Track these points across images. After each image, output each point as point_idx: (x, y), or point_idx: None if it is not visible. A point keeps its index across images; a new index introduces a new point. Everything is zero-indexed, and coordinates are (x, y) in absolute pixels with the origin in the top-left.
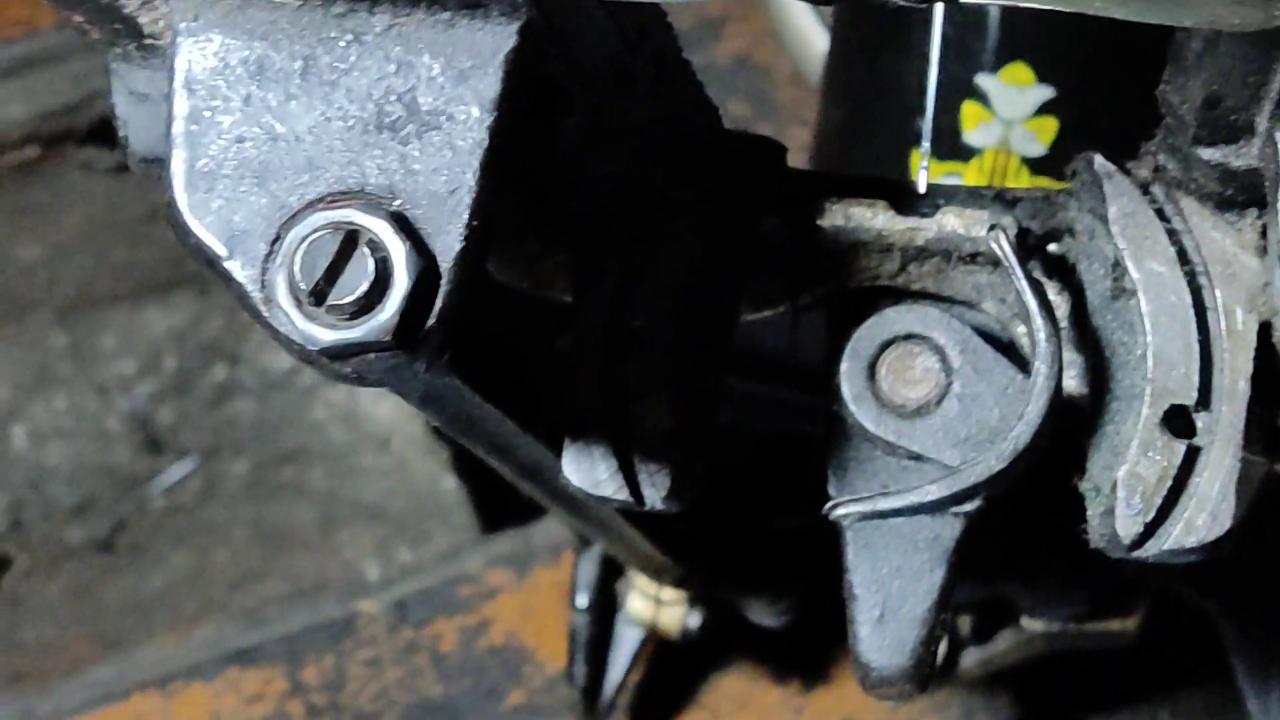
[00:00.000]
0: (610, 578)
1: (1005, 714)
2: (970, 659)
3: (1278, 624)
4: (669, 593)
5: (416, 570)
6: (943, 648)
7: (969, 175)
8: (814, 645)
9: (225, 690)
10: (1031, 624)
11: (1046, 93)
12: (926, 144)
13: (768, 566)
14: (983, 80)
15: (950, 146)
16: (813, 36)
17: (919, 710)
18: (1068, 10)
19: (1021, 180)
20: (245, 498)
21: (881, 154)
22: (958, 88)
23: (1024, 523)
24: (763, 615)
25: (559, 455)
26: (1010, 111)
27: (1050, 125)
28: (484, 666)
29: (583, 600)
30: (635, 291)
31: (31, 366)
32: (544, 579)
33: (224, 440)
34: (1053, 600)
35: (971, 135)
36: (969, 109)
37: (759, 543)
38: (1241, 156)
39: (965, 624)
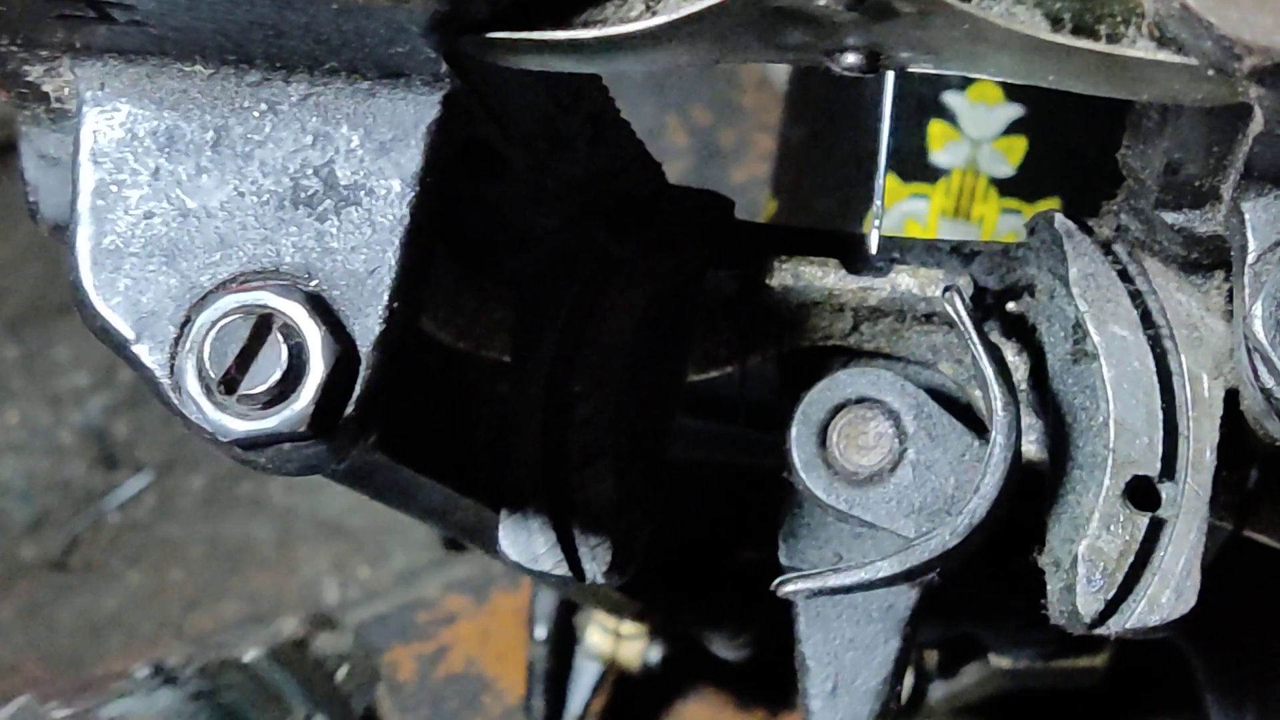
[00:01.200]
0: (569, 610)
1: None
2: (937, 693)
3: (1250, 660)
4: (629, 627)
5: (374, 594)
6: (909, 682)
7: (936, 197)
8: (778, 671)
9: None
10: (998, 660)
11: (1015, 111)
12: (879, 202)
13: (728, 601)
14: (950, 98)
15: (917, 168)
16: None
17: None
18: (1017, 81)
19: (990, 202)
20: (202, 513)
21: (842, 175)
22: (925, 106)
23: (986, 567)
24: (724, 649)
25: (499, 513)
26: (978, 130)
27: (1019, 145)
28: (442, 695)
29: (541, 633)
30: (577, 352)
31: None
32: (503, 604)
33: (180, 454)
34: (1018, 638)
35: (939, 155)
36: (936, 128)
37: (719, 577)
38: (1206, 222)
39: (932, 659)
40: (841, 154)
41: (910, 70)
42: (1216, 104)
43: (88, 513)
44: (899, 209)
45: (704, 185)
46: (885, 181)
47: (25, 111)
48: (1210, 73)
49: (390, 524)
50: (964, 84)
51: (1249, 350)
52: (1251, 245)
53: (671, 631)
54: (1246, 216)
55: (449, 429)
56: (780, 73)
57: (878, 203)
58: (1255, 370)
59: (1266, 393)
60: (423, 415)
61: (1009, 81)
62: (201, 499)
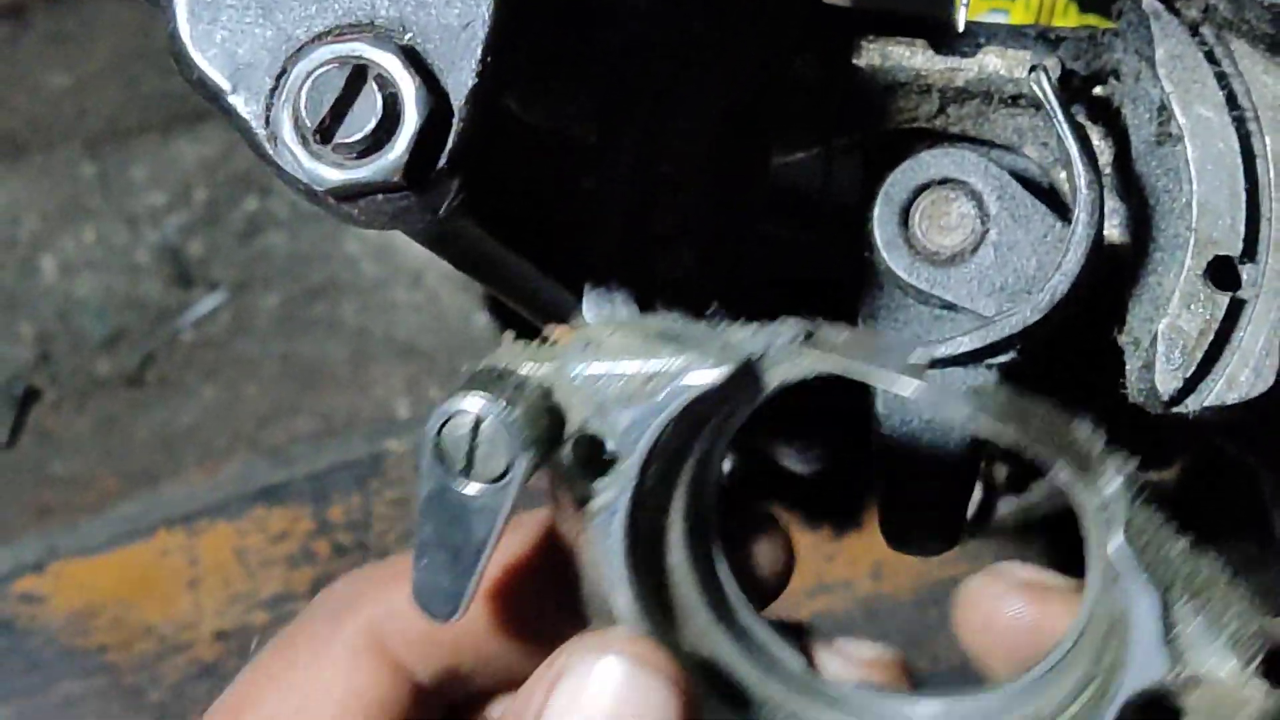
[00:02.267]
0: None
1: (1038, 564)
2: (1005, 508)
3: None
4: None
5: None
6: (978, 494)
7: (1016, 12)
8: (846, 492)
9: (250, 529)
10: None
11: None
12: None
13: (801, 411)
14: None
15: None
16: None
17: (951, 558)
18: None
19: (1070, 18)
20: (276, 332)
21: None
22: None
23: (1059, 373)
24: (795, 462)
25: (579, 297)
26: None
27: None
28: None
29: None
30: (664, 134)
31: (60, 198)
32: None
33: (255, 273)
34: None
35: None
36: None
37: (792, 387)
38: None
39: (1001, 474)
40: None
41: None
42: None
43: (163, 330)
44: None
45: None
46: None
47: None
48: None
49: (462, 344)
50: None
51: None
52: None
53: (742, 444)
54: None
55: (535, 208)
56: None
57: None
58: None
59: None
60: (510, 192)
61: None
62: (275, 318)
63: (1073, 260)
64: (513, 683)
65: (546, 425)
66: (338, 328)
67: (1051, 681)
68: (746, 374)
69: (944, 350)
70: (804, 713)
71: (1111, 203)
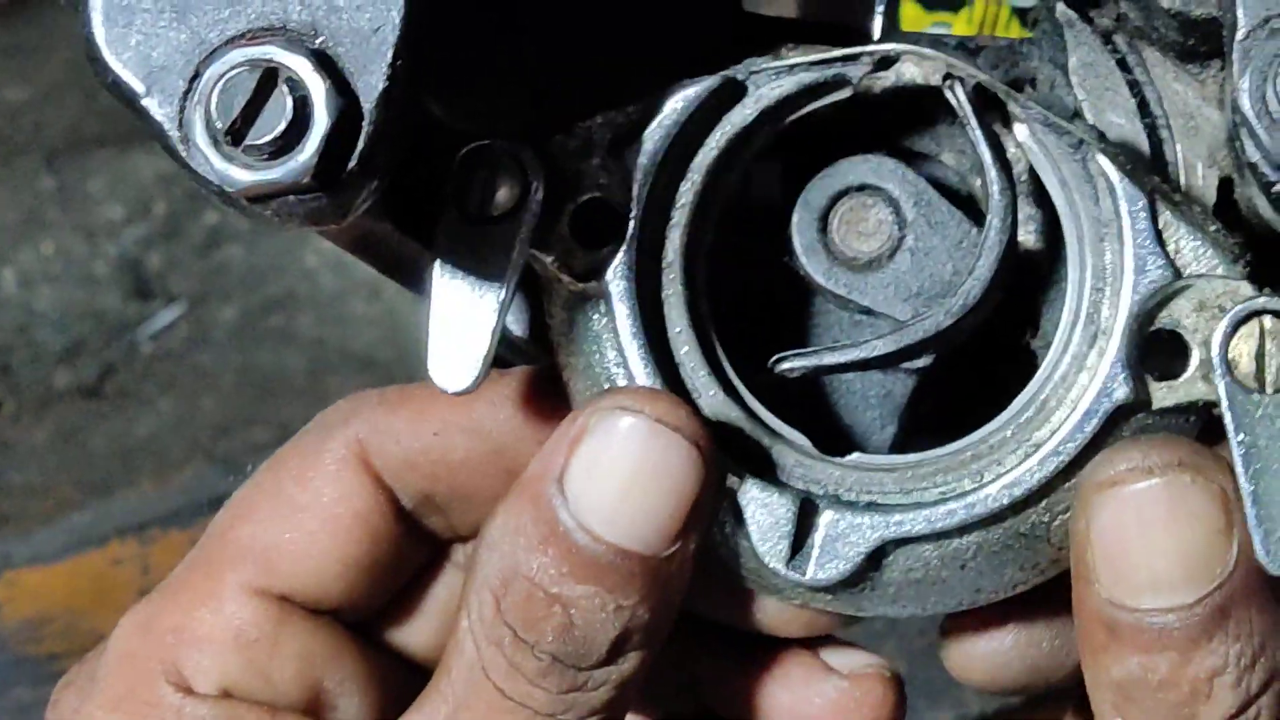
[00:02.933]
0: None
1: None
2: None
3: None
4: None
5: None
6: None
7: (958, 25)
8: None
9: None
10: None
11: None
12: None
13: None
14: None
15: None
16: None
17: None
18: None
19: (1012, 31)
20: (234, 344)
21: None
22: None
23: (973, 375)
24: None
25: None
26: None
27: None
28: None
29: None
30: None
31: (20, 210)
32: None
33: (213, 286)
34: None
35: None
36: None
37: None
38: (1201, 5)
39: None
40: None
41: None
42: None
43: (121, 342)
44: None
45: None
46: (907, 9)
47: None
48: None
49: (421, 358)
50: None
51: (1235, 125)
52: (1241, 21)
53: None
54: None
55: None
56: None
57: None
58: (1242, 145)
59: (1252, 167)
60: (433, 195)
61: None
62: (233, 330)
63: (985, 266)
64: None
65: (545, 190)
66: (295, 339)
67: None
68: (730, 88)
69: (859, 354)
70: (819, 470)
71: (1026, 209)
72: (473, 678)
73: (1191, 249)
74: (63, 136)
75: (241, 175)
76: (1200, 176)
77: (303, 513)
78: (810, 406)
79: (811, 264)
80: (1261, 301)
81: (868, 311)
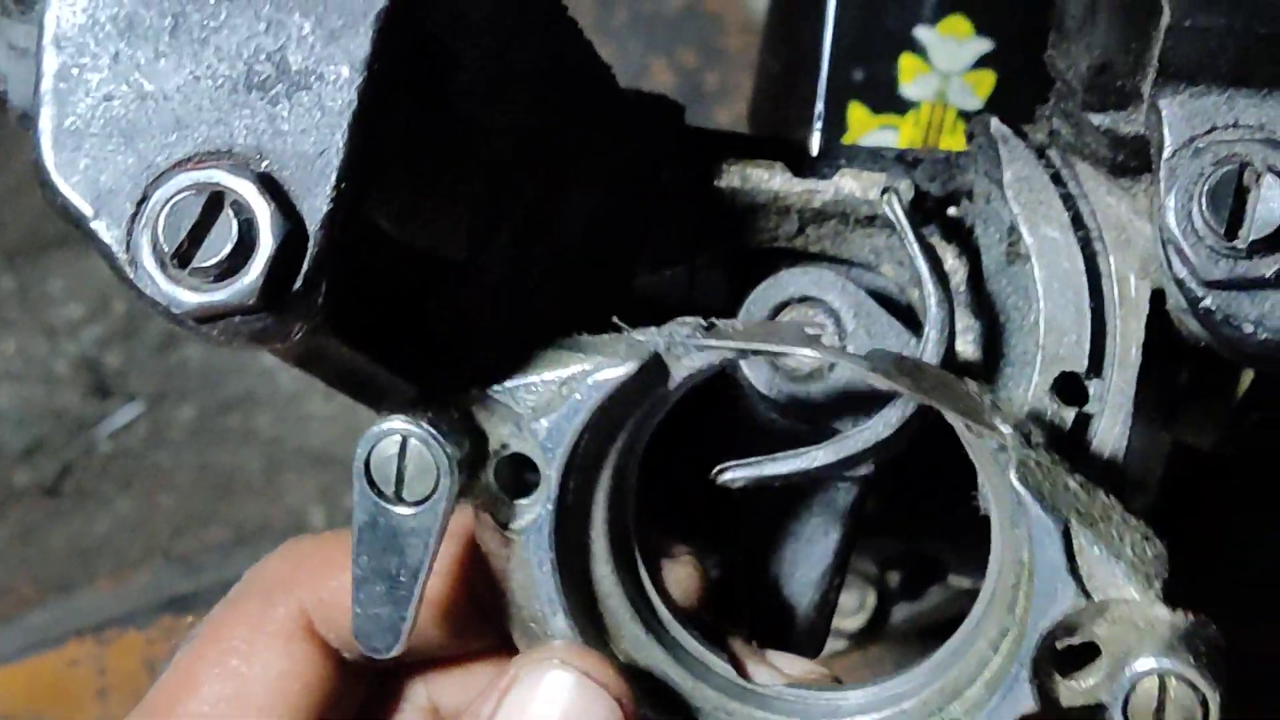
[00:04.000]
0: None
1: None
2: (900, 614)
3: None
4: None
5: None
6: (872, 602)
7: (906, 128)
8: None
9: (159, 638)
10: (959, 580)
11: (985, 45)
12: (820, 105)
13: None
14: (921, 32)
15: (888, 99)
16: None
17: (852, 664)
18: None
19: (958, 134)
20: (191, 443)
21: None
22: (896, 40)
23: (943, 480)
24: None
25: None
26: (948, 64)
27: (988, 79)
28: None
29: None
30: (532, 248)
31: None
32: None
33: (171, 385)
34: (978, 558)
35: (909, 88)
36: (907, 61)
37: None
38: (1130, 123)
39: (894, 580)
40: (812, 86)
41: None
42: None
43: (80, 440)
44: (869, 139)
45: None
46: (855, 112)
47: None
48: None
49: None
50: (936, 18)
51: (1163, 242)
52: (1167, 141)
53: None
54: (1163, 113)
55: (408, 325)
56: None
57: (819, 106)
58: (1169, 262)
59: (1179, 283)
60: (381, 309)
61: None
62: (191, 429)
63: None
64: (435, 661)
65: (470, 445)
66: (253, 438)
67: (971, 643)
68: (654, 367)
69: (799, 464)
70: (739, 714)
71: (964, 320)
72: None
73: (1105, 572)
74: (22, 237)
75: (187, 297)
76: (1133, 289)
77: (251, 687)
78: (755, 513)
79: (755, 374)
80: (1169, 664)
81: (810, 421)
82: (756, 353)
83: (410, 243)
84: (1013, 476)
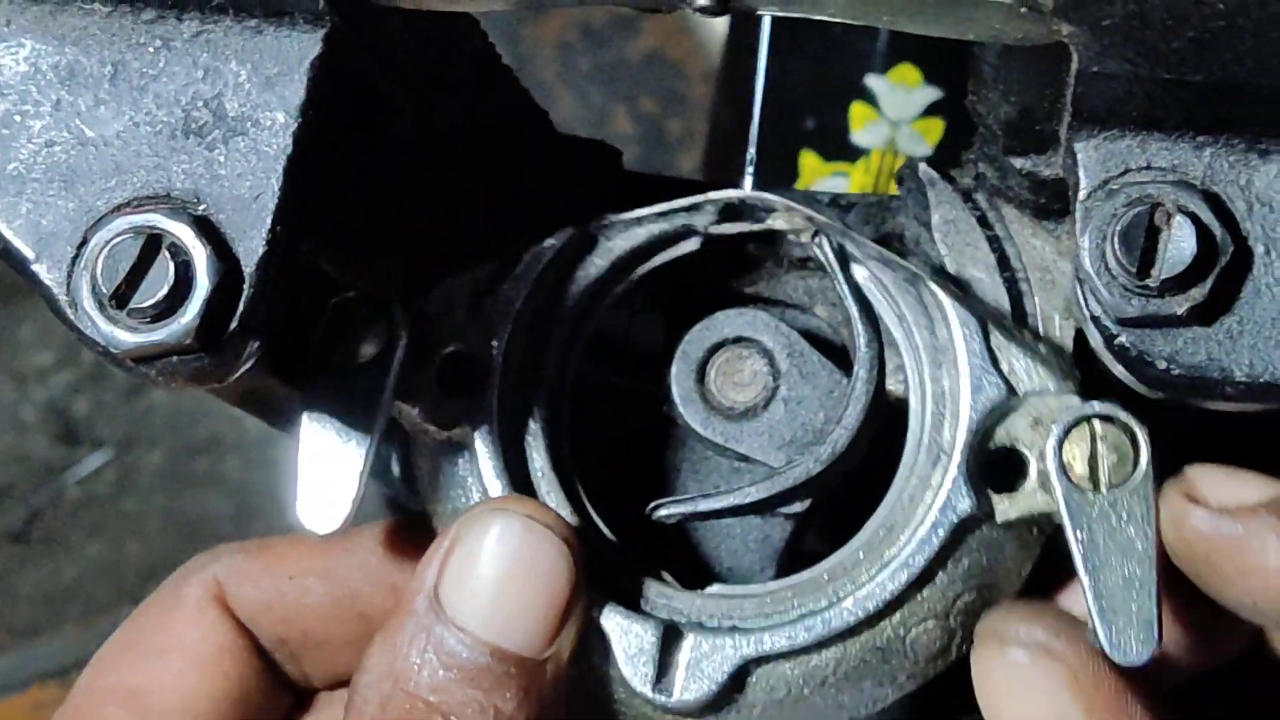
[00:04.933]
0: None
1: None
2: None
3: None
4: None
5: None
6: None
7: (856, 175)
8: None
9: None
10: None
11: (934, 94)
12: (752, 150)
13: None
14: (871, 81)
15: (838, 147)
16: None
17: None
18: (855, 23)
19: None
20: (160, 488)
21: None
22: (847, 88)
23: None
24: None
25: None
26: (898, 112)
27: (937, 126)
28: None
29: None
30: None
31: None
32: None
33: (139, 431)
34: None
35: (859, 135)
36: (857, 109)
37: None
38: (1050, 166)
39: None
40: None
41: (759, 12)
42: (1037, 42)
43: (48, 487)
44: (820, 185)
45: (651, 173)
46: (806, 159)
47: None
48: (1023, 10)
49: None
50: (885, 67)
51: (1079, 281)
52: (1082, 183)
53: None
54: (1078, 156)
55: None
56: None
57: (751, 151)
58: (1085, 300)
59: (1095, 320)
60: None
61: (846, 22)
62: (160, 474)
63: (852, 415)
64: (340, 684)
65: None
66: (221, 483)
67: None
68: (580, 240)
69: (732, 500)
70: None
71: (896, 359)
72: None
73: (1024, 369)
74: None
75: (126, 337)
76: (1058, 328)
77: (167, 654)
78: (690, 551)
79: (689, 413)
80: (1091, 407)
81: (744, 458)
82: (673, 211)
83: (352, 284)
84: (933, 288)
